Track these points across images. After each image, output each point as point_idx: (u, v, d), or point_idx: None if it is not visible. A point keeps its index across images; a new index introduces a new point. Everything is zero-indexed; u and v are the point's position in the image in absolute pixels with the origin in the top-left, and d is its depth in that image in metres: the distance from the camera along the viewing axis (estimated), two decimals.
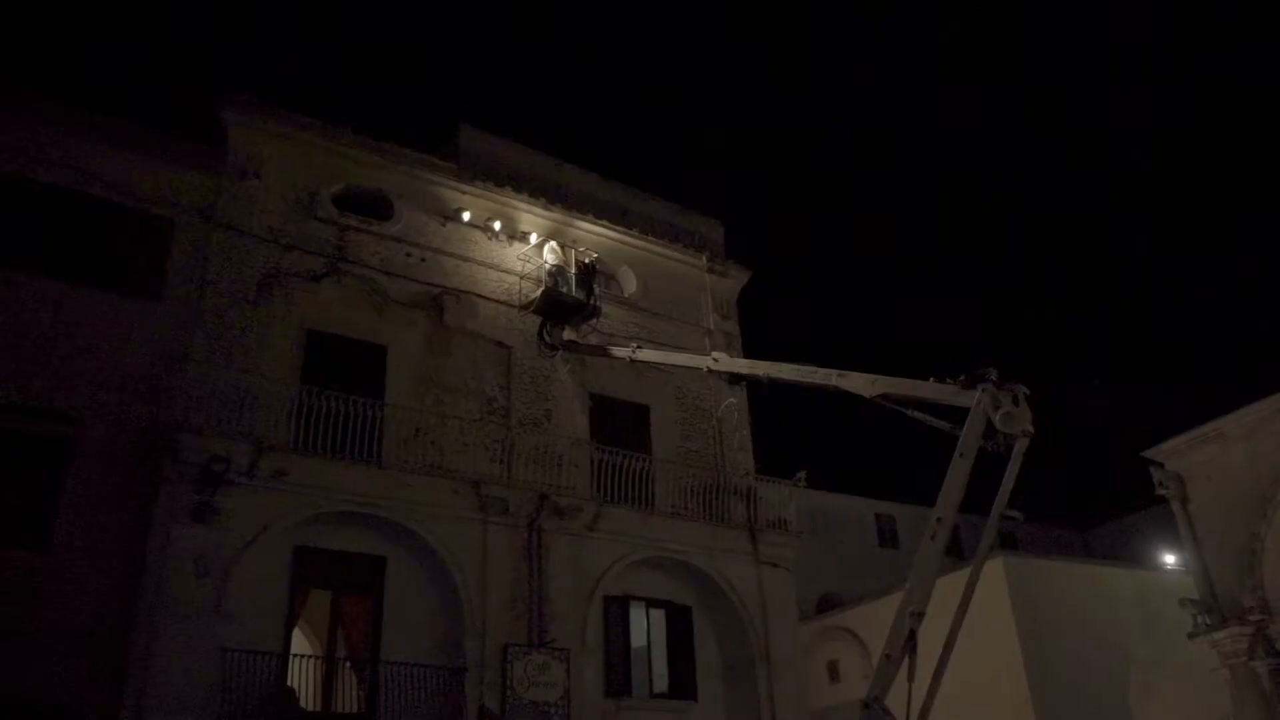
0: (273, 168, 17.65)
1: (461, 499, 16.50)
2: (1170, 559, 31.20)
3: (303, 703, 14.76)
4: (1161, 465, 20.17)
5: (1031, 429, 10.42)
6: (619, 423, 19.72)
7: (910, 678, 9.65)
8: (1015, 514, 10.84)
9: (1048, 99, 67.13)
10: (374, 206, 18.67)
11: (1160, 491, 20.10)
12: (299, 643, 16.03)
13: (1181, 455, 19.86)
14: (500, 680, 15.59)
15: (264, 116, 17.74)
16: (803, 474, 19.87)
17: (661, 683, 18.47)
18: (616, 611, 18.09)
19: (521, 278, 19.48)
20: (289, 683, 14.67)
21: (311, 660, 15.29)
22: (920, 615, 10.00)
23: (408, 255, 18.53)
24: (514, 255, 19.72)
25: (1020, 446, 10.39)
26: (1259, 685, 17.65)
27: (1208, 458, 19.40)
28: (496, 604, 16.17)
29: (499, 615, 16.12)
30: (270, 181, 17.54)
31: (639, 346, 18.60)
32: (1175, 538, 21.16)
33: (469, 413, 17.77)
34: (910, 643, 9.84)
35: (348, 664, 15.62)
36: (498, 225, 19.71)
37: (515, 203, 20.10)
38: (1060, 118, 67.15)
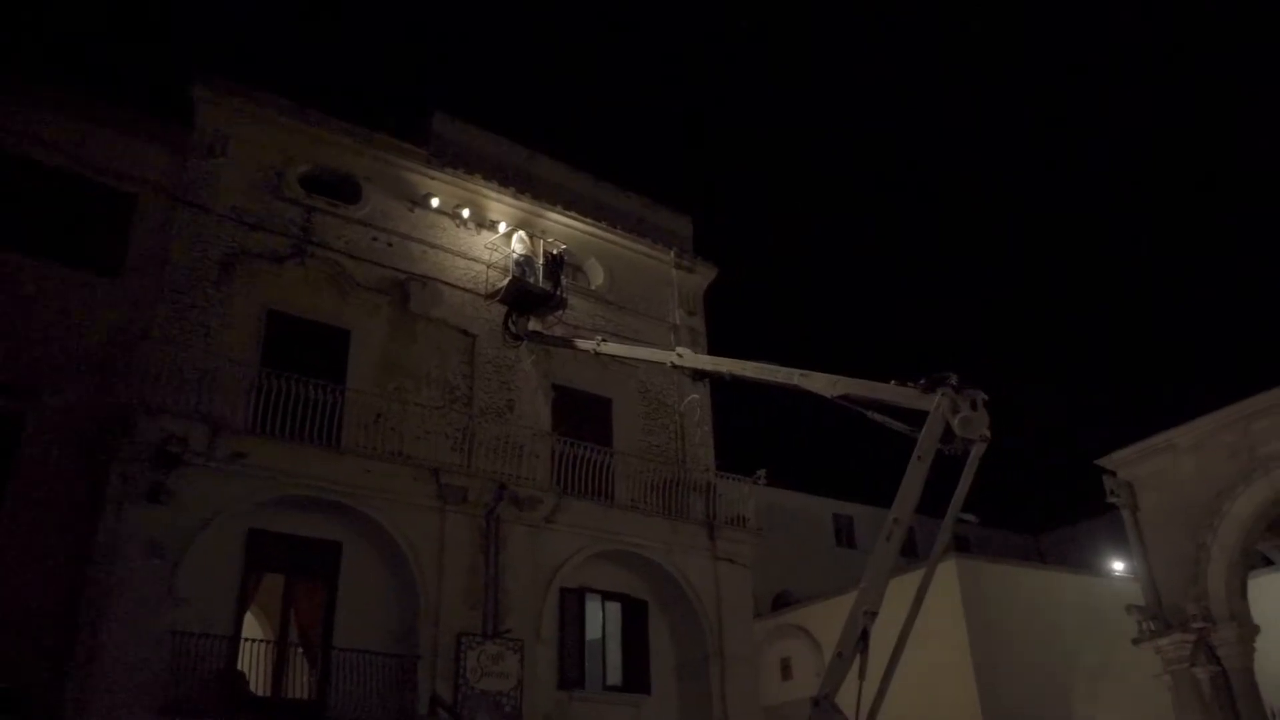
0: (240, 146, 17.43)
1: (420, 486, 16.42)
2: (1119, 566, 31.77)
3: (253, 687, 14.63)
4: (1114, 474, 20.51)
5: (988, 434, 10.56)
6: (581, 415, 19.72)
7: (861, 676, 9.74)
8: (970, 517, 11.05)
9: (1018, 100, 67.92)
10: (341, 189, 18.51)
11: (1111, 499, 20.44)
12: (251, 627, 15.87)
13: (1133, 464, 20.20)
14: (453, 669, 15.55)
15: (233, 94, 17.51)
16: (763, 472, 20.01)
17: (615, 676, 18.52)
18: (573, 603, 18.12)
19: (488, 266, 19.40)
20: (239, 667, 14.54)
21: (263, 645, 15.16)
22: (873, 614, 10.10)
23: (374, 240, 18.39)
24: (482, 244, 19.63)
25: (977, 451, 10.53)
26: (1199, 691, 18.02)
27: (1158, 468, 19.75)
28: (452, 593, 16.12)
29: (454, 604, 16.07)
30: (237, 160, 17.32)
31: (604, 339, 18.60)
32: (1125, 545, 21.54)
33: (431, 400, 17.69)
34: (862, 642, 9.93)
35: (299, 649, 15.50)
36: (466, 213, 19.61)
37: (485, 191, 20.01)
38: (1028, 120, 67.98)
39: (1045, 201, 67.14)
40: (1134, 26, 63.08)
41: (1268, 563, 21.68)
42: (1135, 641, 19.38)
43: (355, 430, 16.39)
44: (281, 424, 15.43)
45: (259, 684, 14.76)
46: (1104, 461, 20.67)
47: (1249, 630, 18.04)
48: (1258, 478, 17.83)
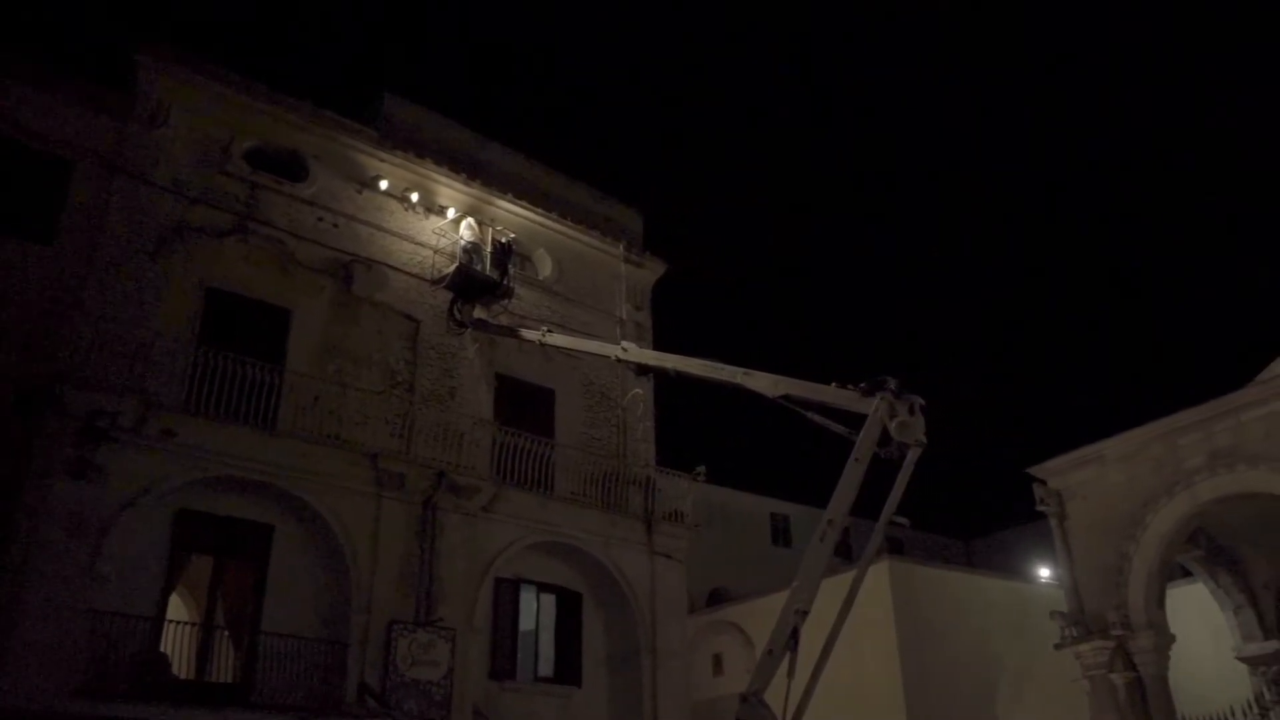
0: (184, 118, 17.04)
1: (357, 471, 16.22)
2: (1045, 572, 32.50)
3: (175, 670, 14.34)
4: (1044, 482, 20.93)
5: (924, 439, 10.71)
6: (524, 405, 19.63)
7: (790, 674, 9.82)
8: (903, 520, 11.11)
9: (974, 102, 69.00)
10: (288, 166, 18.19)
11: (1041, 508, 20.86)
12: (176, 609, 15.57)
13: (1063, 474, 20.64)
14: (383, 657, 15.40)
15: (178, 64, 17.09)
16: (702, 469, 20.10)
17: (547, 667, 18.50)
18: (507, 594, 18.05)
19: (435, 252, 19.21)
20: (162, 649, 14.23)
21: (187, 627, 14.88)
22: (804, 613, 10.18)
23: (319, 219, 18.10)
24: (430, 229, 19.43)
25: (912, 456, 10.67)
26: (1116, 696, 18.50)
27: (1087, 478, 20.21)
28: (385, 580, 15.96)
29: (387, 591, 15.91)
30: (180, 132, 16.93)
31: (549, 330, 18.54)
32: (1052, 552, 22.01)
33: (371, 385, 17.47)
34: (793, 640, 10.00)
35: (225, 633, 15.23)
36: (415, 197, 19.40)
37: (435, 175, 19.80)
38: (983, 124, 69.12)
39: (992, 213, 68.37)
40: (1068, 29, 64.45)
41: (1186, 574, 22.33)
42: (1057, 646, 19.83)
43: (293, 412, 16.13)
44: (216, 403, 15.13)
45: (182, 667, 14.48)
46: (1035, 470, 21.09)
47: (1165, 639, 18.56)
48: (1180, 491, 18.34)
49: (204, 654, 14.80)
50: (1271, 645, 20.66)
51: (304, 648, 15.05)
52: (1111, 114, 66.83)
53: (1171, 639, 18.69)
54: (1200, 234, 62.89)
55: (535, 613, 18.54)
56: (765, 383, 12.41)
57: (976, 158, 69.63)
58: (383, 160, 19.21)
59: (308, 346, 17.15)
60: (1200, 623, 21.77)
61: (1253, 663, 20.83)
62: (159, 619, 14.33)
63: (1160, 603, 18.88)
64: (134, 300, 15.43)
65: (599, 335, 20.18)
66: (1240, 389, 18.45)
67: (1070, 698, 20.78)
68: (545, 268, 21.48)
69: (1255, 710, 18.55)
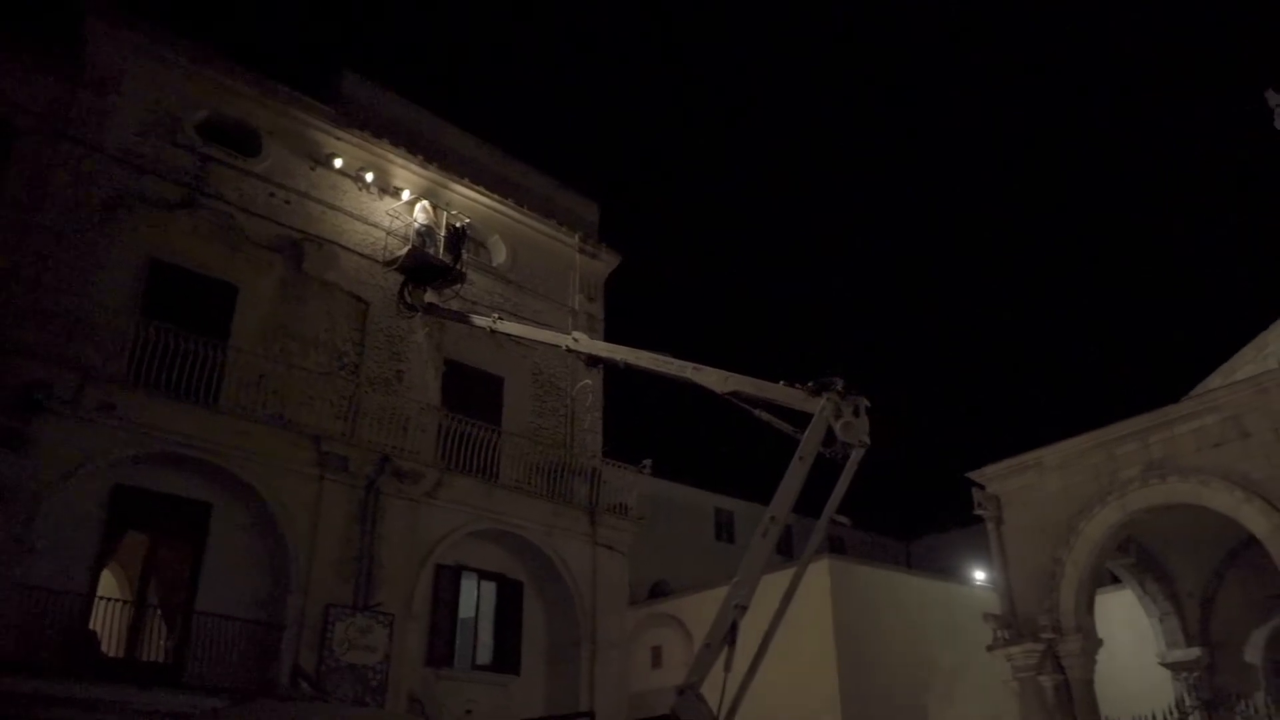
0: (135, 84, 16.64)
1: (300, 452, 16.03)
2: (981, 575, 33.08)
3: (105, 648, 14.07)
4: (983, 487, 21.29)
5: (868, 440, 10.87)
6: (472, 392, 19.52)
7: (727, 668, 9.91)
8: (844, 519, 11.28)
9: (931, 104, 69.83)
10: (241, 141, 17.86)
11: (979, 511, 21.21)
12: (108, 585, 15.26)
13: (1002, 479, 21.01)
14: (319, 640, 15.25)
15: (131, 29, 16.69)
16: (649, 462, 20.20)
17: (486, 655, 18.45)
18: (448, 580, 17.96)
19: (388, 234, 19.00)
20: (92, 626, 13.95)
21: (119, 604, 14.59)
22: (744, 608, 10.27)
23: (271, 195, 17.82)
24: (383, 210, 19.21)
25: (856, 456, 10.83)
26: (1044, 698, 18.90)
27: (1025, 484, 20.59)
28: (324, 563, 15.80)
29: (326, 574, 15.75)
30: (130, 99, 16.53)
31: (500, 318, 18.45)
32: (988, 555, 22.39)
33: (318, 365, 17.26)
34: (731, 634, 10.09)
35: (158, 611, 14.97)
36: (370, 177, 19.16)
37: (391, 156, 19.58)
38: (939, 126, 70.00)
39: (943, 220, 69.32)
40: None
41: (1116, 581, 22.87)
42: (989, 648, 20.20)
43: (236, 390, 15.88)
44: (157, 377, 14.84)
45: (113, 645, 14.21)
46: (974, 475, 21.43)
47: (1093, 643, 19.01)
48: (1114, 500, 18.77)
49: (135, 632, 14.54)
50: (1194, 652, 21.28)
51: (238, 629, 14.85)
52: (1062, 120, 68.10)
53: (1099, 643, 19.14)
54: (1147, 247, 64.37)
55: (475, 600, 18.47)
56: (714, 378, 12.50)
57: (932, 161, 70.57)
58: (338, 138, 18.95)
59: (254, 324, 16.87)
60: (1127, 628, 22.34)
61: (1175, 668, 21.45)
62: (90, 595, 14.04)
63: (1090, 608, 19.32)
64: (75, 270, 15.05)
65: (551, 325, 20.12)
66: (1176, 403, 18.94)
67: (1000, 699, 21.20)
68: (499, 254, 21.37)
69: (1176, 715, 19.08)
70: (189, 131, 17.11)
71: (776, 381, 11.78)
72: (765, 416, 11.85)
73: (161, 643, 14.75)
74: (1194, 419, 18.04)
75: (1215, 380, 22.96)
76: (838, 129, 70.51)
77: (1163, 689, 21.08)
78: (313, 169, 18.55)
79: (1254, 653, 20.97)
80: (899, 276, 71.04)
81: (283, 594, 15.37)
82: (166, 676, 14.20)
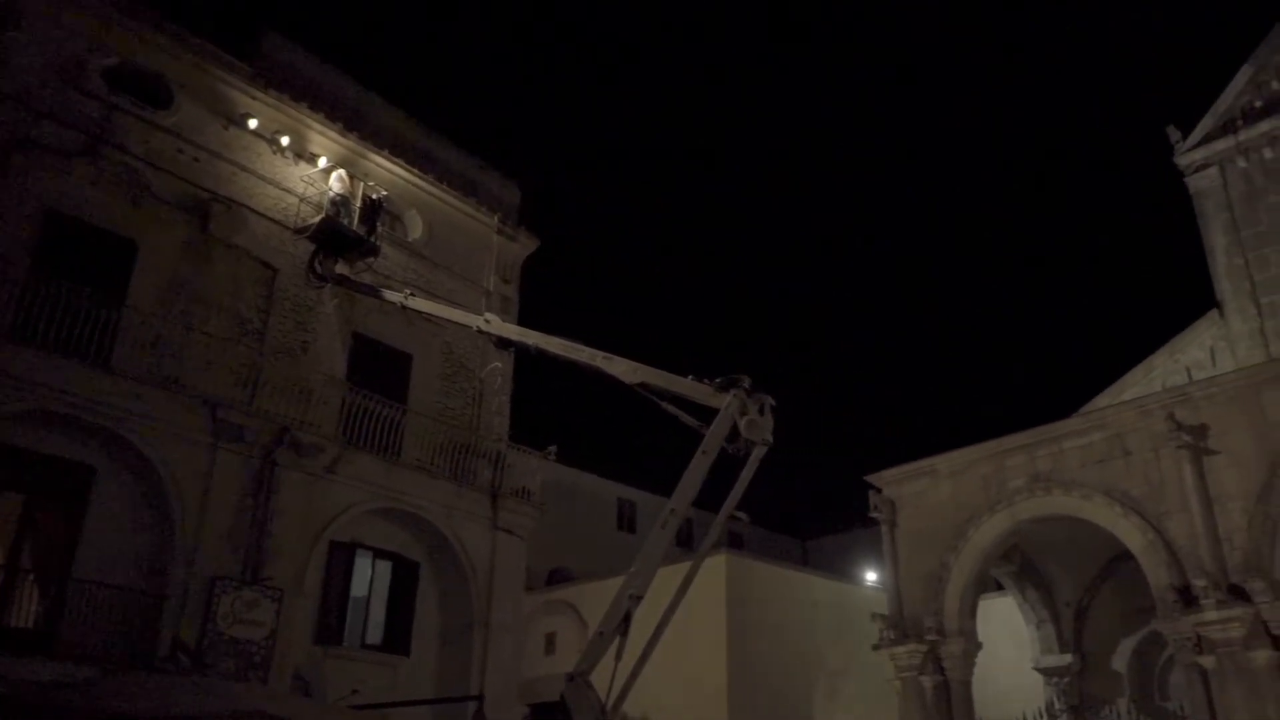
0: (36, 24, 15.81)
1: (194, 419, 15.53)
2: (872, 576, 33.94)
3: None
4: (880, 490, 21.83)
5: (771, 439, 11.06)
6: (379, 368, 19.17)
7: (618, 657, 9.98)
8: (742, 515, 11.54)
9: (859, 105, 71.00)
10: (151, 92, 17.14)
11: (874, 514, 21.74)
12: None
13: (898, 484, 21.57)
14: (203, 613, 14.81)
15: None
16: (554, 448, 20.15)
17: (376, 635, 18.18)
18: (341, 558, 17.63)
19: (302, 200, 18.52)
20: None
21: None
22: (639, 598, 10.36)
23: (180, 151, 17.17)
24: (298, 175, 18.71)
25: (758, 454, 11.01)
26: (923, 698, 19.50)
27: (919, 489, 21.19)
28: (213, 534, 15.34)
29: (214, 545, 15.30)
30: (32, 37, 15.70)
31: (413, 294, 18.16)
32: (881, 557, 22.96)
33: (219, 331, 16.73)
34: (624, 623, 10.17)
35: (31, 577, 14.33)
36: (286, 141, 18.62)
37: (309, 120, 19.07)
38: (864, 124, 71.22)
39: (853, 229, 70.65)
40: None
41: (999, 587, 23.71)
42: (875, 647, 20.74)
43: (131, 351, 15.29)
44: (46, 332, 14.19)
45: None
46: (872, 478, 21.96)
47: (973, 646, 19.68)
48: (1001, 509, 19.44)
49: (6, 598, 13.89)
50: (1066, 659, 22.23)
51: (117, 597, 14.31)
52: (962, 127, 70.00)
53: (979, 646, 19.82)
54: (1049, 272, 66.66)
55: (370, 579, 18.18)
56: (624, 368, 12.54)
57: (853, 166, 71.82)
58: (255, 98, 18.37)
59: (154, 284, 16.25)
60: (1006, 633, 23.21)
61: (1048, 673, 22.38)
62: None
63: (973, 612, 19.99)
64: None
65: (464, 304, 19.89)
66: (1065, 419, 19.69)
67: (882, 697, 21.81)
68: (415, 230, 21.02)
69: (1044, 717, 19.92)
70: (95, 78, 16.36)
71: (685, 376, 11.89)
72: (672, 409, 11.94)
73: (34, 609, 14.13)
74: (1081, 436, 18.78)
75: (1103, 400, 23.97)
76: (757, 125, 71.24)
77: (1035, 692, 21.97)
78: (226, 128, 17.94)
79: (1121, 661, 22.01)
80: (810, 280, 72.26)
81: (167, 564, 14.87)
82: (38, 644, 13.60)
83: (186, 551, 14.98)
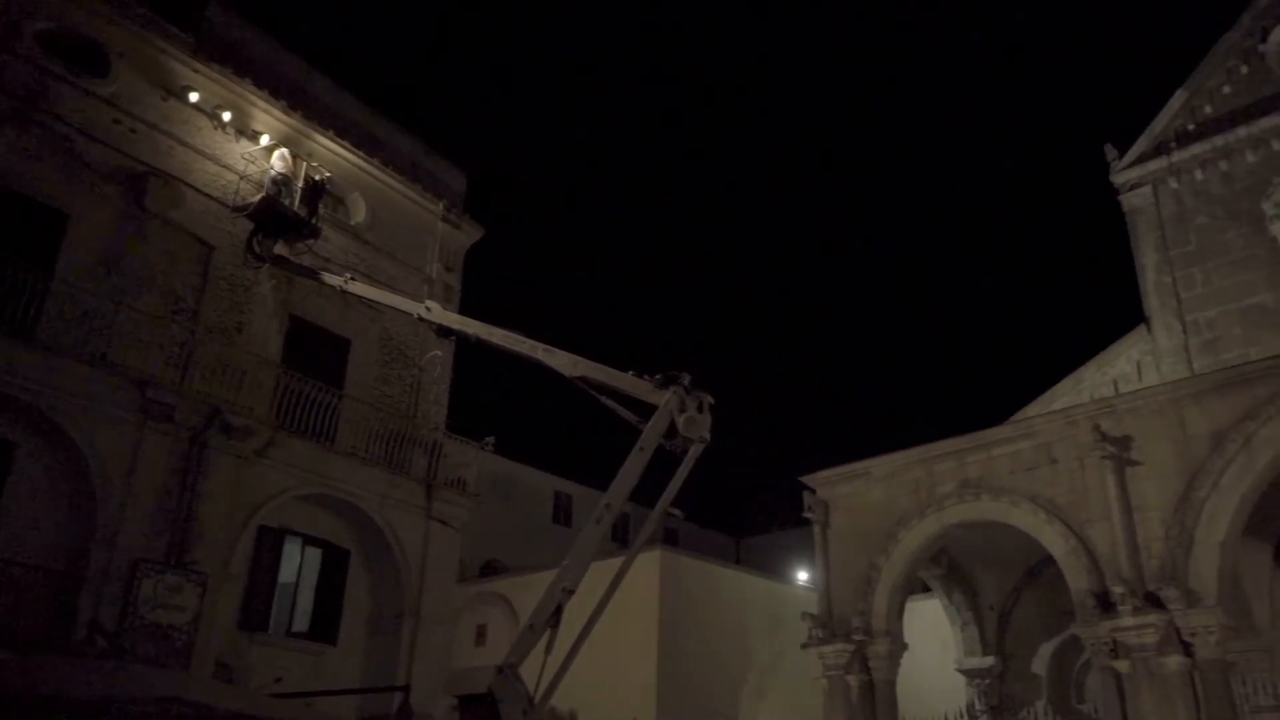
0: None
1: (121, 397, 15.13)
2: (804, 575, 34.32)
3: None
4: (813, 491, 22.07)
5: (708, 436, 11.14)
6: (316, 352, 18.87)
7: (548, 651, 9.98)
8: (677, 512, 11.63)
9: (818, 106, 71.60)
10: (87, 59, 16.64)
11: (807, 514, 21.96)
12: None
13: (831, 485, 21.82)
14: (123, 596, 14.45)
15: None
16: (491, 439, 20.04)
17: (303, 622, 17.93)
18: (270, 543, 17.34)
19: (242, 178, 18.15)
20: None
21: None
22: (571, 592, 10.36)
23: (116, 122, 16.71)
24: (239, 152, 18.33)
25: (695, 451, 11.08)
26: (849, 696, 19.77)
27: (852, 491, 21.46)
28: (137, 515, 14.98)
29: (137, 527, 14.93)
30: None
31: (353, 278, 17.89)
32: (813, 557, 23.21)
33: (151, 308, 16.32)
34: (555, 617, 10.17)
35: None
36: (227, 116, 18.23)
37: (252, 97, 18.68)
38: (827, 124, 71.84)
39: (800, 229, 71.33)
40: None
41: (926, 589, 24.13)
42: (804, 646, 20.95)
43: (57, 324, 14.85)
44: None
45: None
46: (806, 479, 22.18)
47: (899, 647, 20.00)
48: (931, 513, 19.78)
49: None
50: (988, 661, 22.72)
51: (33, 577, 13.92)
52: (918, 129, 71.11)
53: (904, 647, 20.16)
54: (985, 283, 67.98)
55: (298, 566, 17.91)
56: (564, 361, 12.52)
57: (794, 167, 72.44)
58: (196, 71, 17.94)
59: (83, 257, 15.80)
60: (931, 635, 23.64)
61: (970, 675, 22.86)
62: None
63: (900, 614, 20.31)
64: None
65: (405, 291, 19.66)
66: (996, 427, 20.10)
67: (809, 695, 22.06)
68: (358, 213, 20.73)
69: (965, 718, 20.34)
70: (28, 40, 15.84)
71: (625, 371, 11.90)
72: (611, 404, 11.96)
73: None
74: (1010, 443, 19.17)
75: (1033, 409, 24.50)
76: (706, 122, 71.52)
77: (958, 693, 22.42)
78: (165, 100, 17.51)
79: (1040, 664, 22.57)
80: (752, 281, 72.81)
81: (88, 545, 14.48)
82: None
83: (108, 533, 14.60)
